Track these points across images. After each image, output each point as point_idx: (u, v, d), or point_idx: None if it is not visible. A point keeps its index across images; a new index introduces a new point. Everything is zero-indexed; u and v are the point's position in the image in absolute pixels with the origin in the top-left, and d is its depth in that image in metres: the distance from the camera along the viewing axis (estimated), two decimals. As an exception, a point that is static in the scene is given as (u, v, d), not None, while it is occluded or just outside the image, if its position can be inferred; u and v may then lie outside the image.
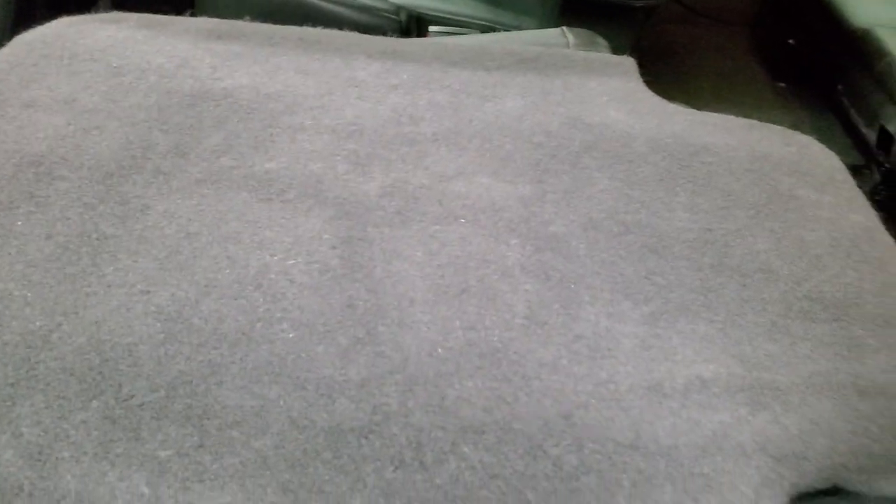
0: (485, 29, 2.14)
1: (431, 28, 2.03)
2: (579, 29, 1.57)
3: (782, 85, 2.59)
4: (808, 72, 2.56)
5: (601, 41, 1.52)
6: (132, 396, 0.73)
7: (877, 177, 2.07)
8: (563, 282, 0.86)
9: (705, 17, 2.97)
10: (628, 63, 1.30)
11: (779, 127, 1.18)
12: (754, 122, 1.18)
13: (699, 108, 2.49)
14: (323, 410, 0.73)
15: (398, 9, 2.01)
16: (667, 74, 2.63)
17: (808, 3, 2.50)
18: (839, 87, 2.25)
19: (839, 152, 2.29)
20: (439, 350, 0.78)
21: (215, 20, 1.23)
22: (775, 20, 2.81)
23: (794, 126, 2.40)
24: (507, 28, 2.15)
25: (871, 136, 2.02)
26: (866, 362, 0.82)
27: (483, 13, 2.15)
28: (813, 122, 2.42)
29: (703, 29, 2.89)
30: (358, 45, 1.22)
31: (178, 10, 1.73)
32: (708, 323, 0.84)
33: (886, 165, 1.98)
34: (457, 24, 2.09)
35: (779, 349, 0.82)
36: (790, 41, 2.68)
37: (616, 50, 2.13)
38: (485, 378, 0.76)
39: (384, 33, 2.00)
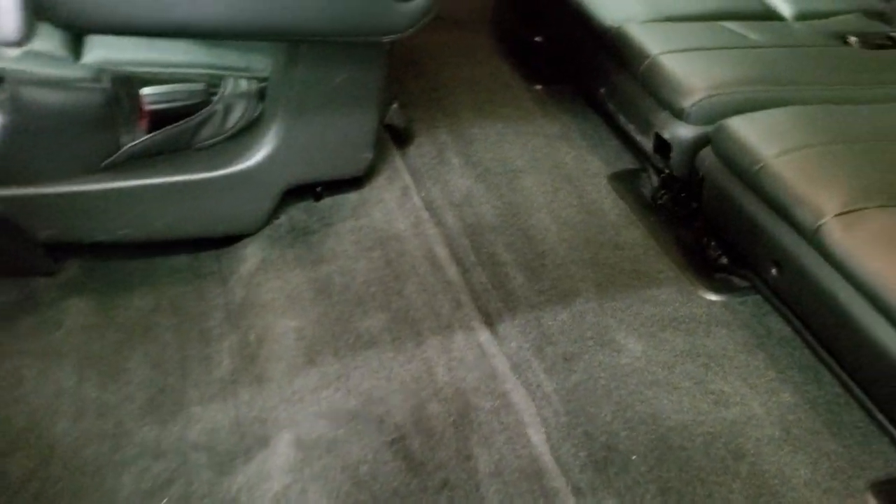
0: (211, 78, 1.79)
1: (145, 91, 1.65)
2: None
3: (538, 87, 2.47)
4: (563, 73, 2.46)
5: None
6: None
7: (655, 180, 1.99)
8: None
9: (442, 18, 2.78)
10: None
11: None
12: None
13: (463, 127, 2.36)
14: None
15: (99, 73, 1.61)
16: (423, 93, 2.42)
17: (550, -1, 2.39)
18: (602, 90, 2.15)
19: (613, 157, 2.26)
20: None
21: None
22: (518, 17, 2.68)
23: (563, 134, 2.32)
24: (237, 73, 1.81)
25: (646, 142, 1.94)
26: None
27: (205, 58, 1.80)
28: (580, 126, 2.32)
29: (447, 33, 2.71)
30: None
31: None
32: None
33: (666, 171, 1.90)
34: (174, 80, 1.72)
35: None
36: (537, 39, 2.57)
37: (367, 85, 1.89)
38: None
39: (92, 112, 1.61)
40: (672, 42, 1.95)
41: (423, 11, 1.59)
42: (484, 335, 1.64)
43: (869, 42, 2.09)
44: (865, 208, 1.45)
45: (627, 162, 2.17)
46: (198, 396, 1.51)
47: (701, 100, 1.79)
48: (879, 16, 2.26)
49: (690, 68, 1.86)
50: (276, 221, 1.91)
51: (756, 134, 1.66)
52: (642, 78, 1.93)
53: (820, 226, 1.45)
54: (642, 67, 1.93)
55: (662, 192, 1.98)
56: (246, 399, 1.50)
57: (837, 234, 1.42)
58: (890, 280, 1.34)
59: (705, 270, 1.83)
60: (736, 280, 1.79)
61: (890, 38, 2.13)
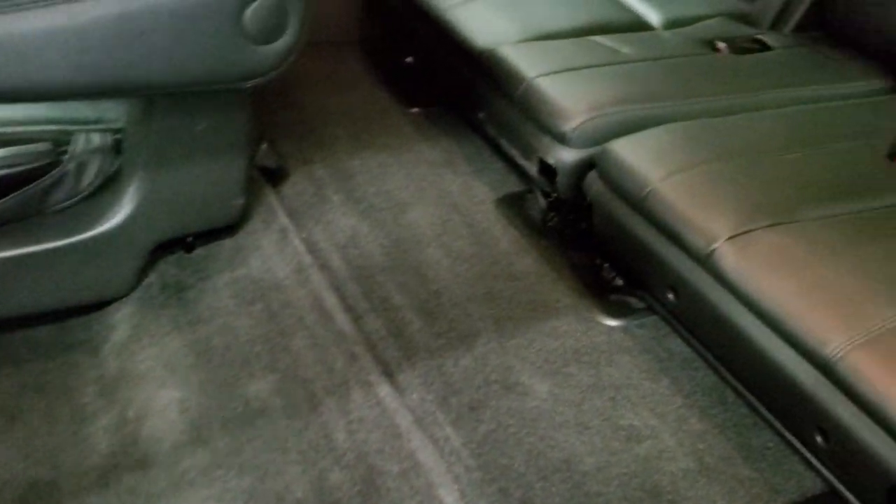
0: (59, 135, 1.63)
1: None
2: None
3: (415, 111, 2.39)
4: (440, 95, 2.39)
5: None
6: None
7: (543, 203, 1.95)
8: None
9: (307, 43, 2.66)
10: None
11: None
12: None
13: (341, 160, 2.25)
14: None
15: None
16: (294, 126, 2.30)
17: (420, 18, 2.31)
18: (480, 114, 2.09)
19: (498, 181, 2.20)
20: None
21: None
22: (387, 38, 2.60)
23: (446, 160, 2.25)
24: (88, 127, 1.65)
25: (530, 167, 1.89)
26: None
27: (49, 113, 1.63)
28: (462, 150, 2.25)
29: (313, 57, 2.58)
30: None
31: None
32: None
33: (554, 194, 1.86)
34: (15, 142, 1.55)
35: None
36: (408, 60, 2.49)
37: (233, 129, 1.76)
38: None
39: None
40: (547, 63, 1.91)
41: (286, 52, 1.49)
42: (384, 389, 1.55)
43: (737, 47, 2.12)
44: (754, 229, 1.44)
45: (514, 185, 2.12)
46: (73, 488, 1.36)
47: (582, 123, 1.75)
48: (744, 18, 2.30)
49: (568, 90, 1.82)
50: (147, 280, 1.76)
51: (640, 157, 1.64)
52: (520, 102, 1.88)
53: (712, 251, 1.43)
54: (519, 91, 1.88)
55: (551, 214, 1.94)
56: (129, 486, 1.37)
57: (730, 259, 1.41)
58: (785, 302, 1.33)
59: (601, 293, 1.80)
60: (633, 301, 1.77)
61: (756, 40, 2.16)
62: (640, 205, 1.59)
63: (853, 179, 1.63)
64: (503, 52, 1.97)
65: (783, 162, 1.65)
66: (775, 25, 2.24)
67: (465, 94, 2.17)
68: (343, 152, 2.21)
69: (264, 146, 2.00)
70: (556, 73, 1.88)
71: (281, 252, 1.86)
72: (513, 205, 2.06)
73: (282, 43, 1.46)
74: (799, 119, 1.84)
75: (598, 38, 2.06)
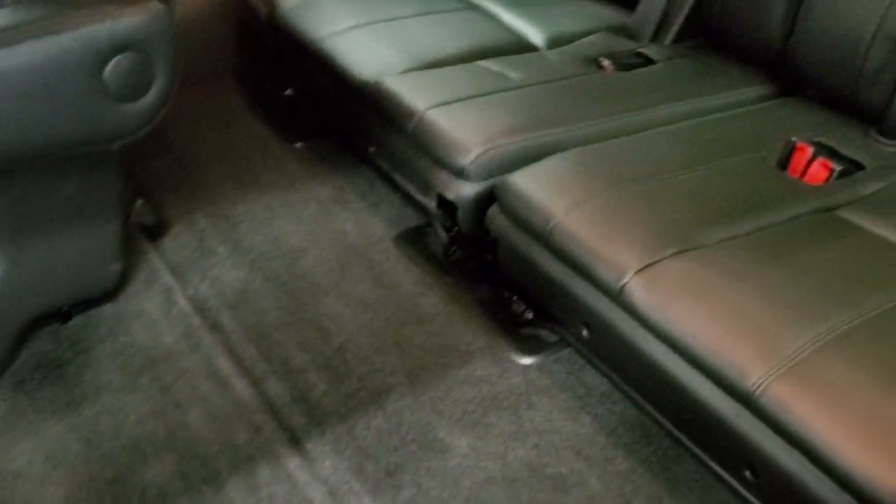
0: None
1: None
2: None
3: (299, 145, 2.28)
4: (323, 129, 2.28)
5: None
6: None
7: (443, 237, 1.88)
8: None
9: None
10: None
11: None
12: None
13: (224, 206, 2.10)
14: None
15: None
16: (171, 171, 2.15)
17: (296, 49, 2.19)
18: (371, 148, 2.00)
19: (395, 216, 2.11)
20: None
21: None
22: (264, 70, 2.46)
23: (337, 196, 2.10)
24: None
25: (429, 202, 1.81)
26: None
27: None
28: (353, 185, 2.15)
29: (187, 93, 2.43)
30: None
31: None
32: None
33: (455, 228, 1.79)
34: None
35: None
36: (287, 93, 2.37)
37: (103, 189, 1.62)
38: None
39: None
40: (437, 94, 1.84)
41: (154, 108, 1.36)
42: (292, 461, 1.44)
43: (621, 63, 2.10)
44: (661, 260, 1.41)
45: (411, 219, 2.04)
46: None
47: (479, 156, 1.68)
48: (624, 31, 2.29)
49: (462, 122, 1.75)
50: (19, 360, 1.60)
51: (540, 189, 1.59)
52: (414, 136, 1.80)
53: (622, 286, 1.39)
54: (412, 125, 1.79)
55: (454, 249, 1.87)
56: None
57: (641, 293, 1.37)
58: (701, 335, 1.30)
59: (513, 328, 1.75)
60: (545, 334, 1.72)
61: (639, 54, 2.15)
62: (546, 239, 1.54)
63: (748, 195, 1.63)
64: (390, 85, 1.88)
65: (680, 183, 1.63)
66: (656, 37, 2.24)
67: (352, 126, 2.07)
68: (225, 197, 2.08)
69: (139, 202, 1.85)
70: (447, 103, 1.80)
71: (167, 315, 1.72)
72: (412, 241, 1.98)
73: (149, 99, 1.34)
74: (689, 134, 1.84)
75: (485, 63, 2.00)
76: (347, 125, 2.12)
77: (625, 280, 1.40)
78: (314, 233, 1.98)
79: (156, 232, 1.93)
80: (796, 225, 1.54)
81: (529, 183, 1.61)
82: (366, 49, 2.04)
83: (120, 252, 1.67)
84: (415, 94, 1.84)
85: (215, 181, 2.13)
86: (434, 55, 2.02)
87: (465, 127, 1.74)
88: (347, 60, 2.01)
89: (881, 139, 1.83)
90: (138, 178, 1.96)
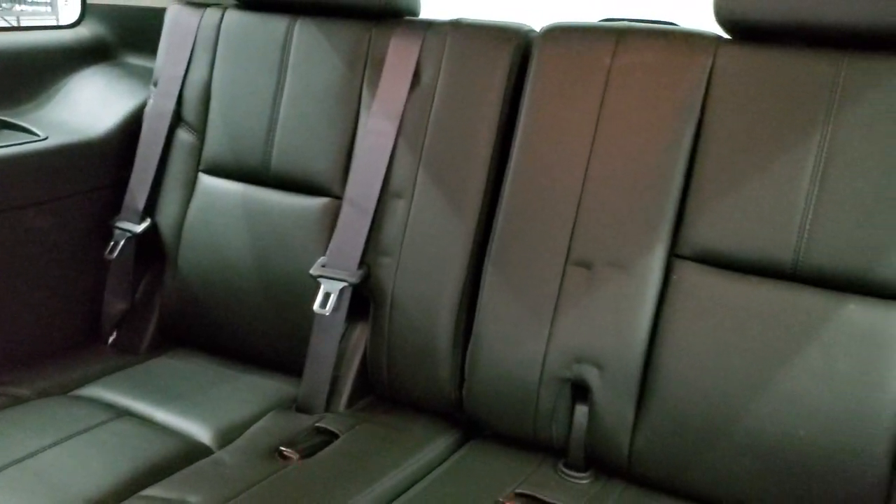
0: None
1: None
2: None
3: None
4: None
5: None
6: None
7: None
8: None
9: None
10: None
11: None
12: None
13: None
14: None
15: None
16: None
17: None
18: None
19: None
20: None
21: None
22: None
23: None
24: None
25: None
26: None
27: None
28: None
29: None
30: None
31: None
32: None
33: None
34: None
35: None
36: None
37: None
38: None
39: None
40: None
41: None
42: None
43: (304, 448, 1.93)
44: None
45: None
46: None
47: None
48: (294, 403, 2.17)
49: None
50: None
51: None
52: None
53: None
54: None
55: None
56: None
57: None
58: None
59: None
60: None
61: (319, 430, 2.02)
62: None
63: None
64: None
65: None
66: (329, 406, 2.15)
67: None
68: None
69: None
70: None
71: None
72: None
73: None
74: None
75: (152, 492, 1.70)
76: None
77: None
78: None
79: None
80: None
81: None
82: (-4, 512, 1.63)
83: None
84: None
85: None
86: (86, 498, 1.67)
87: None
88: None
89: (571, 472, 1.88)
90: None
